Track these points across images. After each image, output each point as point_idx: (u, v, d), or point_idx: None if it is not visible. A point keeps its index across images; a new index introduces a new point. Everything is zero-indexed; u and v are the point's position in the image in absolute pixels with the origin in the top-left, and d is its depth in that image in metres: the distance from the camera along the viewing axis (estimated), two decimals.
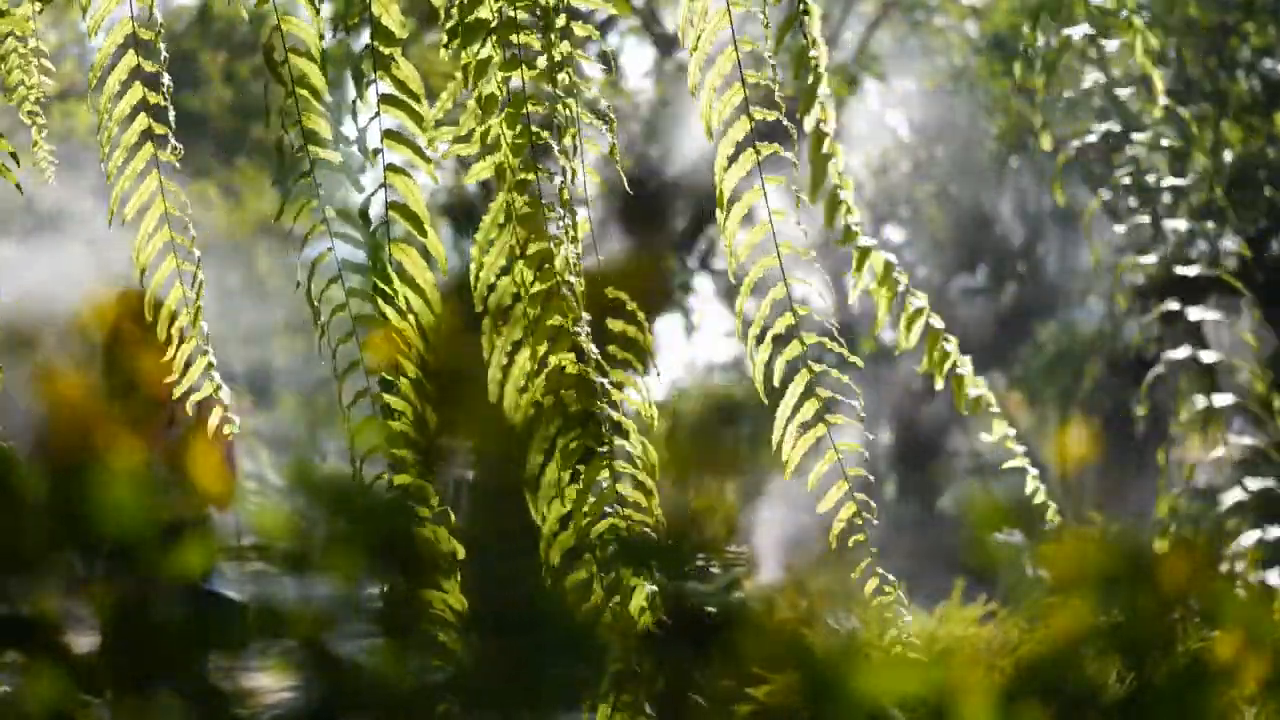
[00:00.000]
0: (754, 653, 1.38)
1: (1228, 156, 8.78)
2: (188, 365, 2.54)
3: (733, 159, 2.40)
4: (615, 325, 2.41)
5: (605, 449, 2.37)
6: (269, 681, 1.35)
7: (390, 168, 2.36)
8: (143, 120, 2.48)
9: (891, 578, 2.51)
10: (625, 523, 2.37)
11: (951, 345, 2.71)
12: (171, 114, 2.47)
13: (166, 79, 2.47)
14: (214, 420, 2.55)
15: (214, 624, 1.33)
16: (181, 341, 2.54)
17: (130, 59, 2.46)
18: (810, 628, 1.42)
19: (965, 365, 2.72)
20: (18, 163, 2.51)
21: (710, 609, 1.41)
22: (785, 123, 2.38)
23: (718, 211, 2.42)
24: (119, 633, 1.34)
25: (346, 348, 2.39)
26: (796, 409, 2.48)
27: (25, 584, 1.32)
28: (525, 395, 2.41)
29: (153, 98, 2.47)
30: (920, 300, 2.69)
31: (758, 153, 2.40)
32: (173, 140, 2.49)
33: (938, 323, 2.70)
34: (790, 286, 2.44)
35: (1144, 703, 1.35)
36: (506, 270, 2.42)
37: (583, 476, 2.36)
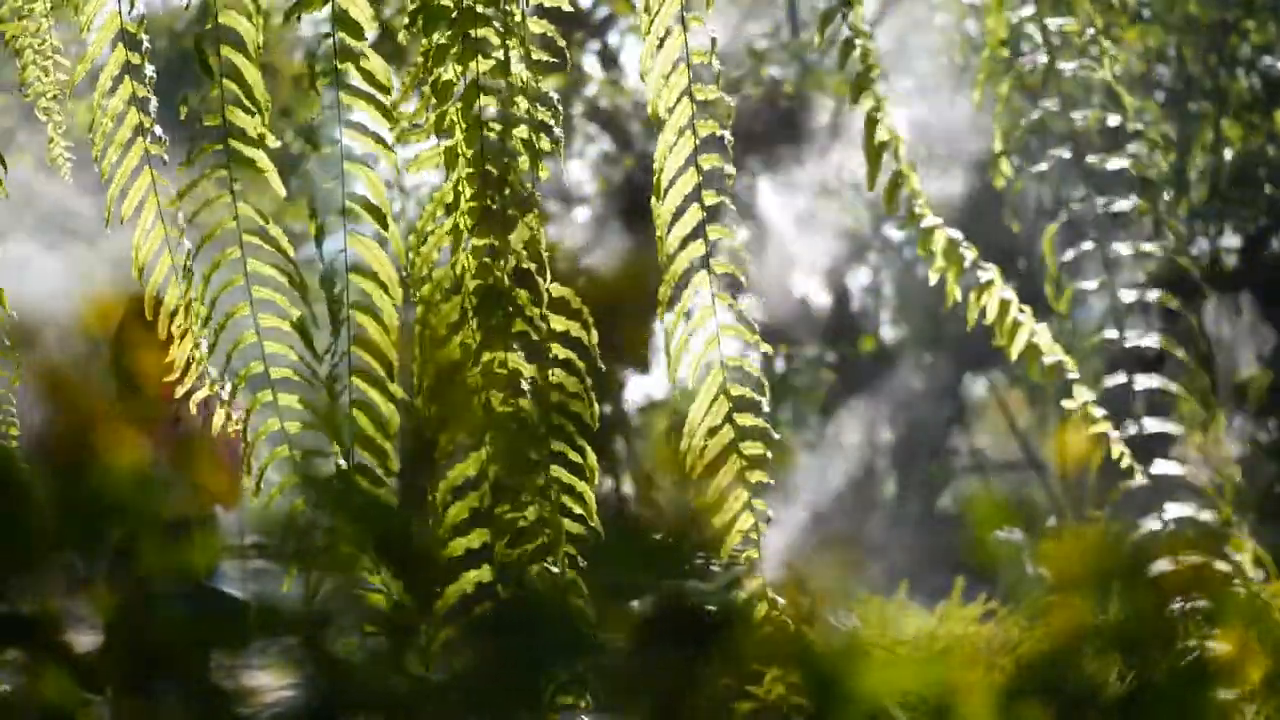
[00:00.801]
0: (754, 652, 1.38)
1: (1228, 154, 8.78)
2: (188, 365, 2.53)
3: (673, 146, 2.36)
4: (559, 324, 2.35)
5: (539, 458, 2.29)
6: (270, 680, 1.35)
7: (352, 160, 2.32)
8: (135, 116, 2.47)
9: (781, 600, 2.42)
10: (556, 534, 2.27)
11: (1025, 315, 2.73)
12: (154, 104, 2.46)
13: (150, 70, 2.46)
14: (218, 419, 2.54)
15: (216, 622, 1.33)
16: (182, 339, 2.54)
17: (120, 54, 2.45)
18: (810, 627, 1.42)
19: (1043, 335, 2.75)
20: (5, 166, 2.51)
21: (710, 608, 1.41)
22: (728, 100, 2.33)
23: (653, 200, 2.35)
24: (121, 631, 1.35)
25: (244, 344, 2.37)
26: (708, 411, 2.41)
27: (27, 582, 1.32)
28: (433, 390, 2.33)
29: (139, 90, 2.46)
30: (990, 272, 2.69)
31: (695, 136, 2.35)
32: (159, 131, 2.48)
33: (1008, 294, 2.71)
34: (715, 276, 2.37)
35: (1144, 702, 1.35)
36: (441, 264, 2.36)
37: (513, 484, 2.29)
